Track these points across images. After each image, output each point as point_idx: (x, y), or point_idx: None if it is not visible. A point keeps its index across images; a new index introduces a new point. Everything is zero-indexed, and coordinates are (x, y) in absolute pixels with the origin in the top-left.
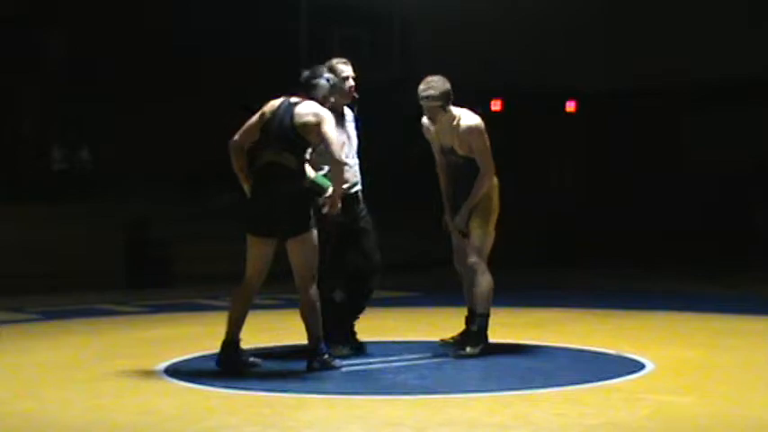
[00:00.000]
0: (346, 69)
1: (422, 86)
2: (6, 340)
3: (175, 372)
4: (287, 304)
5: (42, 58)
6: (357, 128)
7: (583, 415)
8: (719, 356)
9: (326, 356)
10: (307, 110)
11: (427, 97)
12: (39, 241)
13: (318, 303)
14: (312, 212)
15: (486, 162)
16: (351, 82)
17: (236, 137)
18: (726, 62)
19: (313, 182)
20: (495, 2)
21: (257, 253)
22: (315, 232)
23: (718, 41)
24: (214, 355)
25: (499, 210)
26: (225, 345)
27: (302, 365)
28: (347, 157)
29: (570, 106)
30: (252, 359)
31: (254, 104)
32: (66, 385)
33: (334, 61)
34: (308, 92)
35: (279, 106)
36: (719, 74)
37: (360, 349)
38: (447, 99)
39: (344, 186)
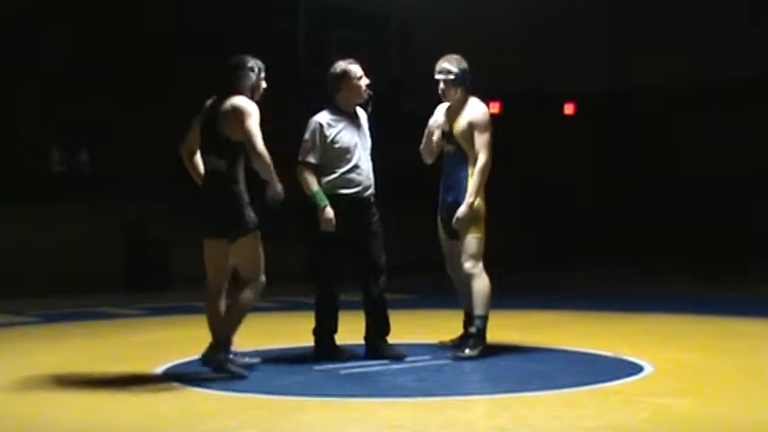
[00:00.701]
0: (358, 69)
1: (439, 61)
2: (5, 343)
3: (174, 374)
4: (286, 307)
5: (42, 58)
6: (369, 128)
7: (581, 417)
8: (718, 359)
9: (223, 357)
10: (227, 106)
11: (441, 71)
12: (37, 243)
13: (246, 308)
14: (248, 216)
15: (487, 153)
16: (365, 80)
17: (182, 142)
18: (726, 63)
19: (313, 195)
20: (494, 4)
21: (209, 255)
22: (256, 235)
23: (718, 43)
24: None
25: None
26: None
27: (302, 368)
28: (359, 159)
29: (569, 108)
30: (248, 359)
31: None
32: (65, 388)
33: (344, 63)
34: (234, 84)
35: (208, 108)
36: (719, 75)
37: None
38: (462, 78)
39: (356, 189)
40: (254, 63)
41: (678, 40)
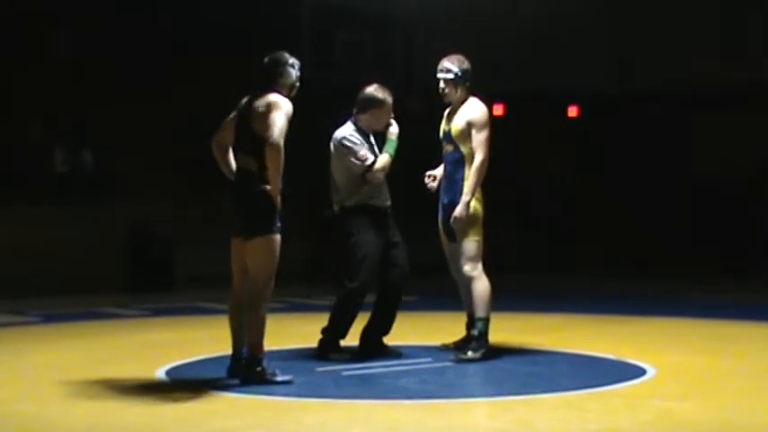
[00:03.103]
0: (391, 104)
1: (442, 60)
2: (8, 343)
3: (177, 375)
4: (290, 308)
5: (45, 57)
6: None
7: (584, 420)
8: (721, 362)
9: (260, 369)
10: (262, 102)
11: (441, 69)
12: (40, 243)
13: (264, 313)
14: (269, 217)
15: (484, 152)
16: (391, 114)
17: (214, 136)
18: (729, 65)
19: (393, 154)
20: (498, 6)
21: (232, 253)
22: (273, 238)
23: (720, 46)
24: (216, 358)
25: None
26: (232, 357)
27: (304, 369)
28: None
29: (572, 111)
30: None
31: None
32: (68, 388)
33: (383, 92)
34: (273, 82)
35: (243, 105)
36: (722, 78)
37: (393, 354)
38: (462, 77)
39: (382, 199)
40: (293, 60)
41: (681, 43)
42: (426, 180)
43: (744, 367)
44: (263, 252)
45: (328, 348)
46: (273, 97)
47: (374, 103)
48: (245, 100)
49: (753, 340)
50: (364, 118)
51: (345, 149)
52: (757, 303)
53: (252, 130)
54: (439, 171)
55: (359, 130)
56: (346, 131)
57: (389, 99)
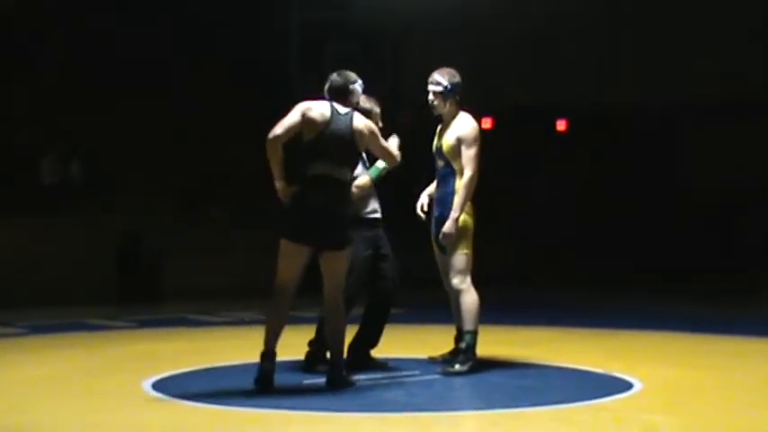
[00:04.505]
0: (378, 113)
1: (433, 73)
2: None
3: (164, 387)
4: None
5: (35, 65)
6: None
7: None
8: (708, 377)
9: (344, 373)
10: (360, 121)
11: (431, 81)
12: (28, 254)
13: (343, 317)
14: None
15: (472, 167)
16: (380, 124)
17: (279, 132)
18: (724, 79)
19: (374, 178)
20: (487, 20)
21: (295, 260)
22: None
23: (715, 59)
24: (203, 370)
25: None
26: (263, 355)
27: (291, 381)
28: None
29: (561, 125)
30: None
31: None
32: (56, 400)
33: (370, 102)
34: (346, 98)
35: (331, 115)
36: (717, 91)
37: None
38: (451, 91)
39: (375, 209)
40: (359, 80)
41: (674, 55)
42: (419, 213)
43: (730, 381)
44: (346, 261)
45: (315, 361)
46: (369, 122)
47: (362, 113)
48: (326, 109)
49: (740, 355)
50: None
51: None
52: (746, 318)
53: (354, 146)
54: (430, 189)
55: None
56: None
57: (377, 108)
